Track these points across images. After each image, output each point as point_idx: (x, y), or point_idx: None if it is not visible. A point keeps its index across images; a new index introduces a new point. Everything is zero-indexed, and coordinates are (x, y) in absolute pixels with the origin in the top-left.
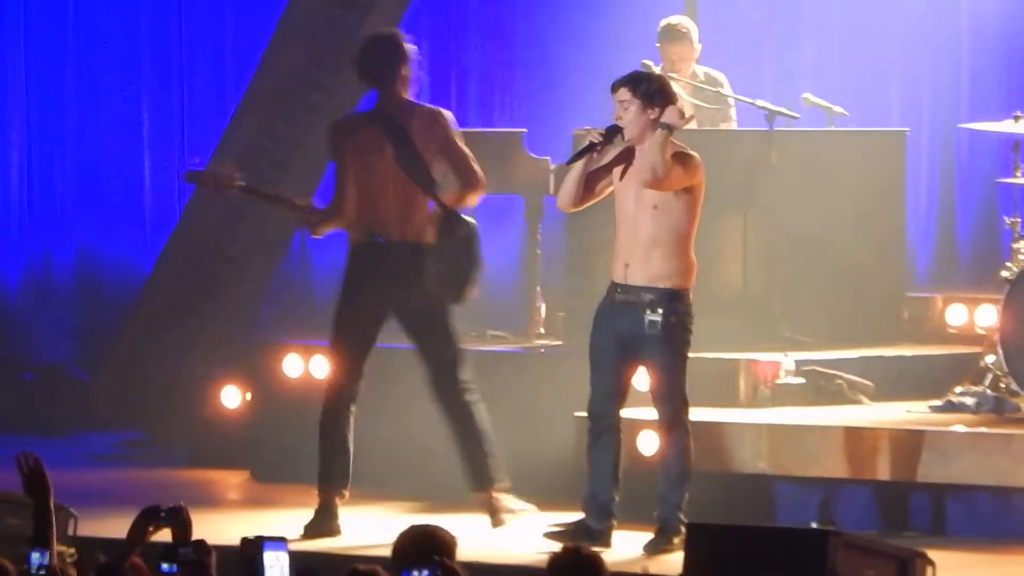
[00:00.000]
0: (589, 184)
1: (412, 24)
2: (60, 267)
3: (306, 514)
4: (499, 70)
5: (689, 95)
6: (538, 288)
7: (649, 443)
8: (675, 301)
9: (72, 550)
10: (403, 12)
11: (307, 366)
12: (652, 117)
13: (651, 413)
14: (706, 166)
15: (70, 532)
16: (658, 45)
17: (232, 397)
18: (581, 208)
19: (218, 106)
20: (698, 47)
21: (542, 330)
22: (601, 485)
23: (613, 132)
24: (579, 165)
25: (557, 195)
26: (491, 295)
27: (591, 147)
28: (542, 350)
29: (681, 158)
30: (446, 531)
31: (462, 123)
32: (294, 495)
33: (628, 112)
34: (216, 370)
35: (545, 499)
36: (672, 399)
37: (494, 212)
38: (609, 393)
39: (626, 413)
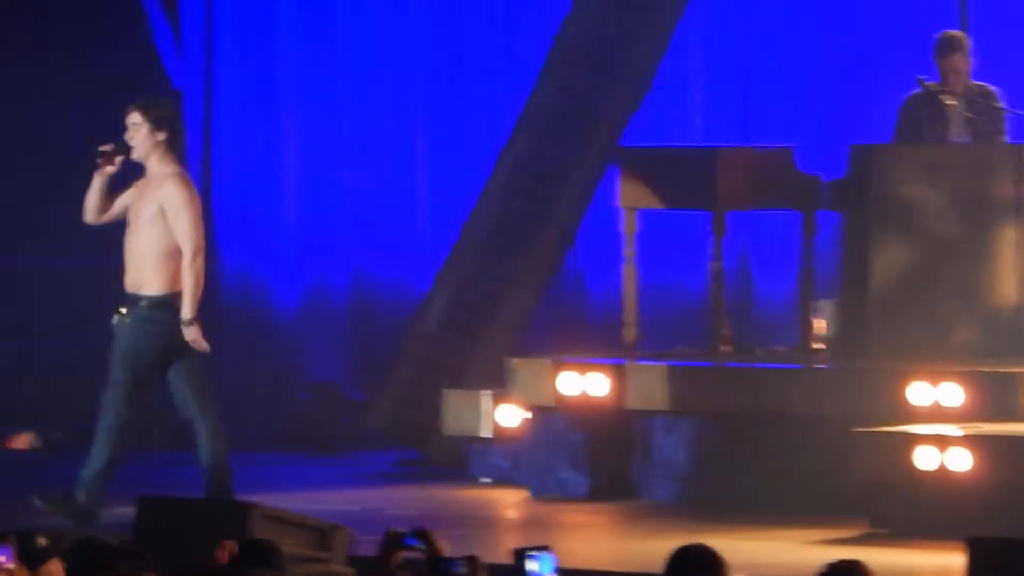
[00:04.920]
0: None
1: (681, 36)
2: (336, 291)
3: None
4: (768, 86)
5: (963, 108)
6: (813, 303)
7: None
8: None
9: (352, 571)
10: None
11: (583, 383)
12: (159, 139)
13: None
14: (978, 179)
15: (348, 551)
16: (934, 59)
17: (510, 415)
18: (104, 220)
19: (492, 125)
20: (971, 60)
21: (818, 345)
22: None
23: (122, 150)
24: (97, 179)
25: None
26: (765, 311)
27: (96, 162)
28: (819, 365)
29: None
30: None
31: (733, 139)
32: (571, 514)
33: (138, 134)
34: (492, 389)
35: (824, 515)
36: None
37: (769, 228)
38: None
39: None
